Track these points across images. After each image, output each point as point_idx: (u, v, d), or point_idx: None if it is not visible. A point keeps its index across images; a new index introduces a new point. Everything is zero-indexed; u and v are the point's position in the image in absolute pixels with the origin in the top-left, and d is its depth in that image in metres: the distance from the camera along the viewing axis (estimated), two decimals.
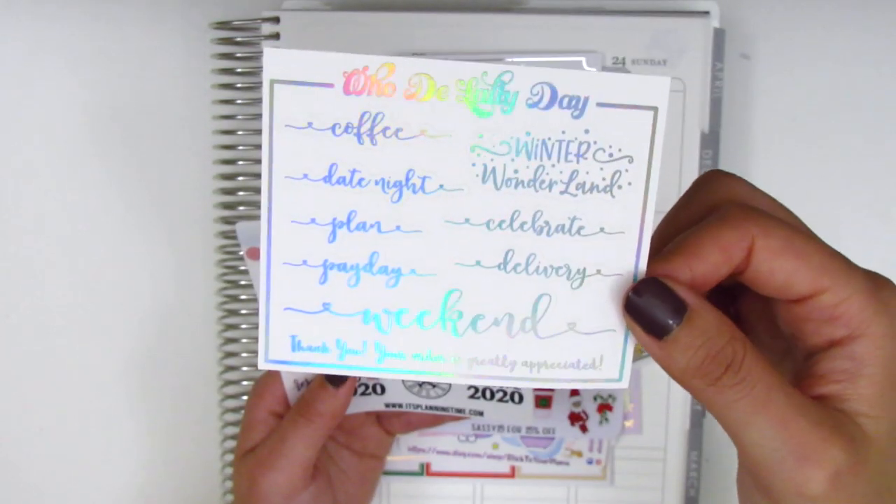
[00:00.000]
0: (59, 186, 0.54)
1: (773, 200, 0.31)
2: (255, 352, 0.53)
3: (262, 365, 0.30)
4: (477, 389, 0.46)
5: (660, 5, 0.51)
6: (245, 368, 0.54)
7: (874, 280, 0.28)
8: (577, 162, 0.29)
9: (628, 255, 0.29)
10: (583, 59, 0.50)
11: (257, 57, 0.51)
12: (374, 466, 0.50)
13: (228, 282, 0.53)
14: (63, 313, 0.55)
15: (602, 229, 0.29)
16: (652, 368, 0.52)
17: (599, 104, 0.28)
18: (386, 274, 0.29)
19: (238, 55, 0.51)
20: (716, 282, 0.29)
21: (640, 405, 0.52)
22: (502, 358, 0.30)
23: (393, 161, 0.29)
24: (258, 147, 0.52)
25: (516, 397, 0.46)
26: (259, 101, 0.51)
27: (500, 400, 0.46)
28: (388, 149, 0.28)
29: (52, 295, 0.55)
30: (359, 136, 0.28)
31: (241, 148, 0.52)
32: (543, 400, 0.52)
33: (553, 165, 0.29)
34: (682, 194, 0.33)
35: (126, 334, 0.55)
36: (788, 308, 0.29)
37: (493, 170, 0.29)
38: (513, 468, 0.53)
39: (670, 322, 0.27)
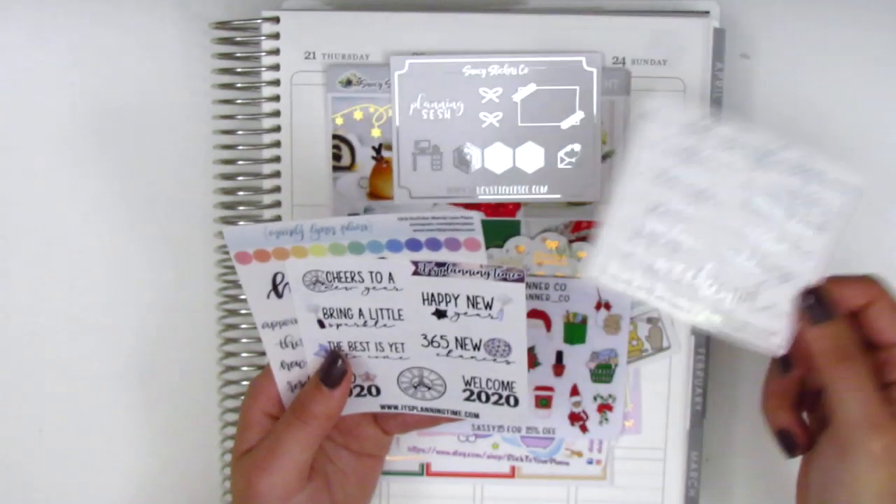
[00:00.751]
0: (59, 186, 0.54)
1: None
2: (255, 352, 0.53)
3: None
4: (472, 392, 0.46)
5: (660, 5, 0.51)
6: (245, 368, 0.54)
7: None
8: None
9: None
10: (583, 59, 0.50)
11: (257, 57, 0.51)
12: (372, 466, 0.50)
13: (228, 282, 0.53)
14: (63, 313, 0.55)
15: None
16: (652, 368, 0.52)
17: None
18: None
19: (238, 55, 0.51)
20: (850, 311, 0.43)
21: (639, 405, 0.52)
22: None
23: None
24: (258, 147, 0.52)
25: (511, 400, 0.46)
26: (259, 100, 0.51)
27: (496, 403, 0.46)
28: None
29: (52, 295, 0.55)
30: None
31: (241, 148, 0.52)
32: (543, 400, 0.52)
33: None
34: None
35: (126, 334, 0.55)
36: (884, 348, 0.43)
37: None
38: (513, 468, 0.53)
39: (824, 318, 0.42)
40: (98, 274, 0.55)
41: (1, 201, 0.55)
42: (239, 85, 0.51)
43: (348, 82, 0.50)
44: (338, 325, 0.45)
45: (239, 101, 0.52)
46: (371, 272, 0.43)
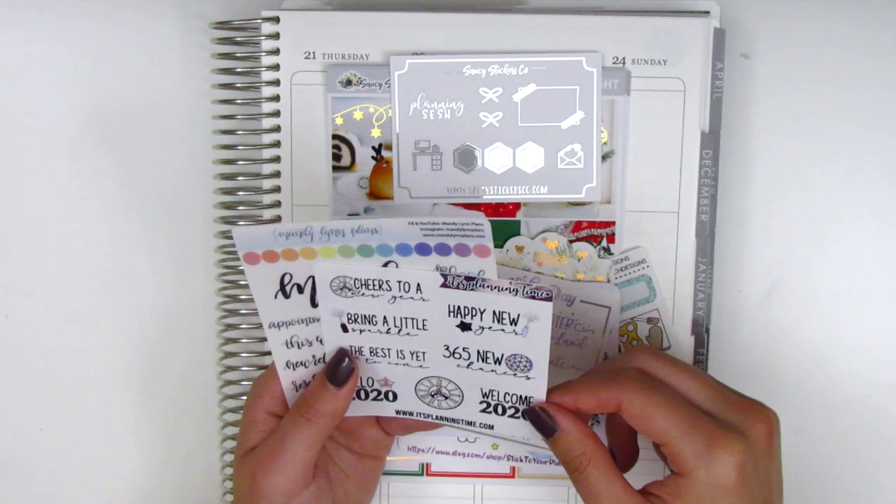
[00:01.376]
0: (59, 187, 0.54)
1: (679, 365, 0.45)
2: (255, 352, 0.53)
3: None
4: (489, 404, 0.45)
5: (660, 5, 0.51)
6: (245, 368, 0.54)
7: (711, 440, 0.41)
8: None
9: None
10: (583, 58, 0.50)
11: (257, 57, 0.51)
12: (373, 467, 0.50)
13: (228, 282, 0.53)
14: (63, 313, 0.55)
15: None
16: None
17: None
18: None
19: (238, 55, 0.51)
20: (595, 413, 0.47)
21: None
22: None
23: None
24: (258, 147, 0.52)
25: (527, 416, 0.45)
26: (259, 100, 0.51)
27: (511, 416, 0.45)
28: None
29: (52, 295, 0.55)
30: None
31: (241, 148, 0.52)
32: None
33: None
34: None
35: (126, 334, 0.55)
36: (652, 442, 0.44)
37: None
38: (513, 469, 0.53)
39: (550, 433, 0.44)
40: (98, 274, 0.55)
41: (0, 201, 0.55)
42: (239, 85, 0.51)
43: (348, 82, 0.50)
44: (361, 331, 0.45)
45: (239, 101, 0.52)
46: (400, 282, 0.42)
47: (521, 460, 0.53)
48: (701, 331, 0.52)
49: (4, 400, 0.56)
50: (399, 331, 0.44)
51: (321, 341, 0.46)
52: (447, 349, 0.44)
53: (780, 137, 0.53)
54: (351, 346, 0.45)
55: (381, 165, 0.51)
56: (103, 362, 0.56)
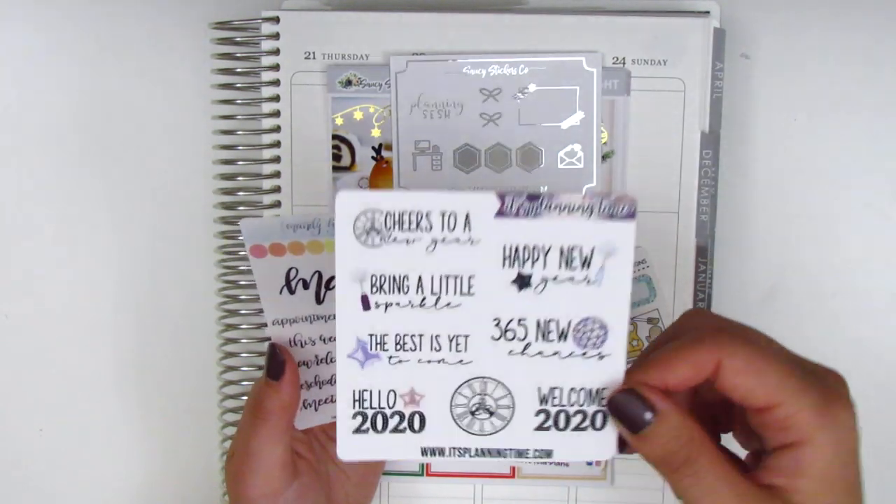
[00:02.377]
0: (59, 186, 0.54)
1: (748, 327, 0.37)
2: (256, 352, 0.53)
3: None
4: (548, 415, 0.37)
5: (660, 5, 0.51)
6: (245, 368, 0.54)
7: (826, 396, 0.34)
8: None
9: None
10: (583, 59, 0.50)
11: (257, 57, 0.51)
12: (373, 468, 0.50)
13: (228, 282, 0.53)
14: (62, 313, 0.55)
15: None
16: None
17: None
18: None
19: (238, 55, 0.51)
20: (686, 388, 0.36)
21: None
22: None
23: None
24: (258, 147, 0.52)
25: (598, 420, 0.37)
26: (259, 101, 0.51)
27: (577, 428, 0.37)
28: None
29: (52, 295, 0.55)
30: None
31: (241, 148, 0.52)
32: None
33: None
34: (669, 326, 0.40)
35: (126, 334, 0.55)
36: (753, 413, 0.35)
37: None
38: (513, 468, 0.53)
39: (645, 420, 0.35)
40: (98, 274, 0.55)
41: (0, 202, 0.55)
42: (239, 85, 0.51)
43: (348, 82, 0.50)
44: (387, 306, 0.36)
45: (239, 101, 0.52)
46: (444, 213, 0.34)
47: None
48: None
49: (4, 400, 0.56)
50: (437, 300, 0.36)
51: (325, 340, 0.45)
52: (497, 326, 0.36)
53: (780, 137, 0.53)
54: (371, 336, 0.36)
55: (381, 166, 0.51)
56: (103, 362, 0.56)
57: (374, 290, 0.36)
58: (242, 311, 0.53)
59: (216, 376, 0.54)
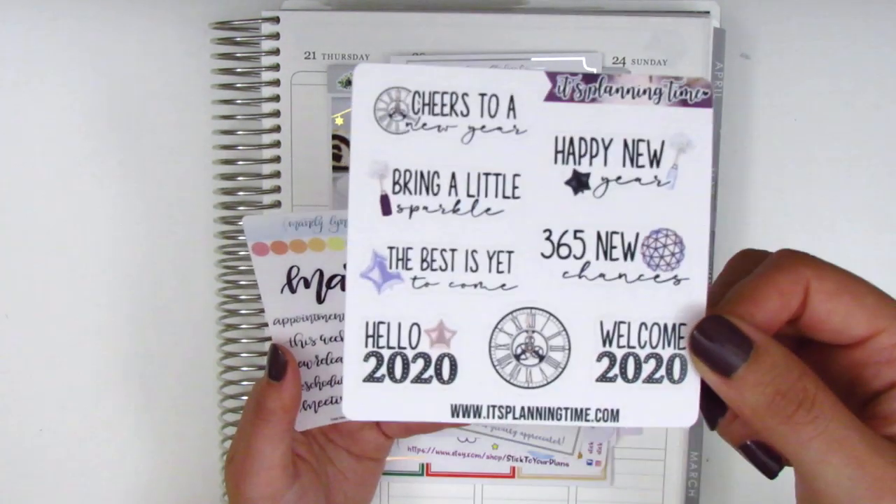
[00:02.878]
0: (59, 186, 0.54)
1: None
2: (256, 352, 0.53)
3: None
4: (613, 360, 0.30)
5: (660, 5, 0.51)
6: (245, 368, 0.54)
7: None
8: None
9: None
10: (583, 59, 0.50)
11: (257, 57, 0.51)
12: (373, 469, 0.50)
13: (228, 282, 0.53)
14: (62, 313, 0.55)
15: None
16: None
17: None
18: None
19: (238, 55, 0.51)
20: (777, 327, 0.29)
21: None
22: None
23: None
24: (258, 147, 0.52)
25: (676, 369, 0.29)
26: (259, 100, 0.51)
27: (650, 379, 0.30)
28: None
29: (52, 295, 0.55)
30: None
31: (241, 148, 0.52)
32: None
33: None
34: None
35: (126, 334, 0.55)
36: (846, 354, 0.29)
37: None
38: (513, 468, 0.53)
39: (737, 360, 0.27)
40: (98, 274, 0.55)
41: (1, 202, 0.55)
42: (239, 85, 0.51)
43: (348, 82, 0.50)
44: (412, 211, 0.29)
45: (239, 101, 0.52)
46: (483, 95, 0.29)
47: (521, 460, 0.53)
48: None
49: (4, 400, 0.56)
50: (475, 204, 0.29)
51: (325, 340, 0.45)
52: (549, 239, 0.29)
53: (780, 137, 0.53)
54: (391, 250, 0.29)
55: None
56: (103, 362, 0.56)
57: (397, 189, 0.29)
58: (242, 311, 0.53)
59: (216, 376, 0.54)
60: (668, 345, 0.29)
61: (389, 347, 0.29)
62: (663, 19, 0.50)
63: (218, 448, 0.55)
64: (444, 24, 0.50)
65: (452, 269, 0.29)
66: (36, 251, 0.55)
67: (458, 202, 0.29)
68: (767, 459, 0.30)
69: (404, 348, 0.29)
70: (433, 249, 0.29)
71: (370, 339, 0.29)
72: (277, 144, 0.51)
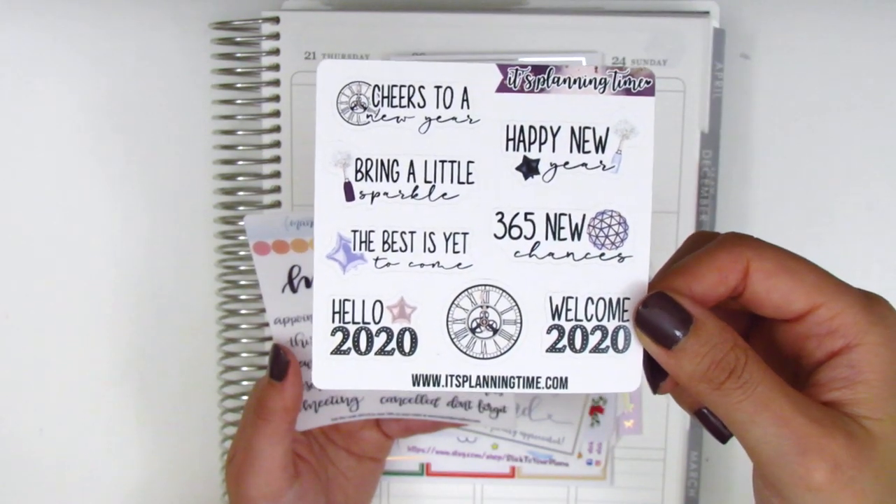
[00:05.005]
0: (59, 186, 0.54)
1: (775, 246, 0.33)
2: (256, 352, 0.53)
3: None
4: (561, 332, 0.32)
5: (660, 5, 0.51)
6: (245, 368, 0.54)
7: (867, 296, 0.31)
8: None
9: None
10: (583, 59, 0.50)
11: (257, 57, 0.51)
12: (373, 469, 0.50)
13: (228, 282, 0.53)
14: (62, 313, 0.55)
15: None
16: None
17: None
18: None
19: (238, 55, 0.51)
20: (715, 301, 0.31)
21: (640, 405, 0.52)
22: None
23: None
24: (258, 147, 0.52)
25: (620, 339, 0.32)
26: (259, 101, 0.51)
27: (596, 349, 0.32)
28: None
29: (52, 294, 0.55)
30: None
31: (241, 148, 0.52)
32: None
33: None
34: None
35: (126, 334, 0.55)
36: (789, 328, 0.32)
37: None
38: (513, 468, 0.53)
39: (677, 333, 0.30)
40: (98, 273, 0.55)
41: (1, 200, 0.55)
42: (239, 85, 0.51)
43: None
44: (374, 196, 0.31)
45: (239, 101, 0.52)
46: (438, 87, 0.31)
47: (521, 460, 0.53)
48: None
49: (4, 400, 0.56)
50: (431, 189, 0.31)
51: None
52: (501, 221, 0.32)
53: (780, 137, 0.53)
54: (355, 233, 0.32)
55: None
56: (103, 362, 0.56)
57: (360, 176, 0.31)
58: (242, 311, 0.53)
59: (216, 376, 0.54)
60: (613, 318, 0.32)
61: (354, 323, 0.32)
62: (663, 19, 0.50)
63: (218, 448, 0.55)
64: (444, 24, 0.50)
65: (412, 250, 0.31)
66: (36, 251, 0.55)
67: (416, 188, 0.31)
68: (719, 425, 0.32)
69: (368, 323, 0.32)
70: (394, 232, 0.31)
71: (336, 315, 0.32)
72: (277, 144, 0.51)
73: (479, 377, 0.32)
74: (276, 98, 0.51)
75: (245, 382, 0.54)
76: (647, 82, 0.31)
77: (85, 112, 0.54)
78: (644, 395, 0.52)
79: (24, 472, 0.56)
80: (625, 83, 0.31)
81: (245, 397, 0.53)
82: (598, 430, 0.52)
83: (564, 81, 0.31)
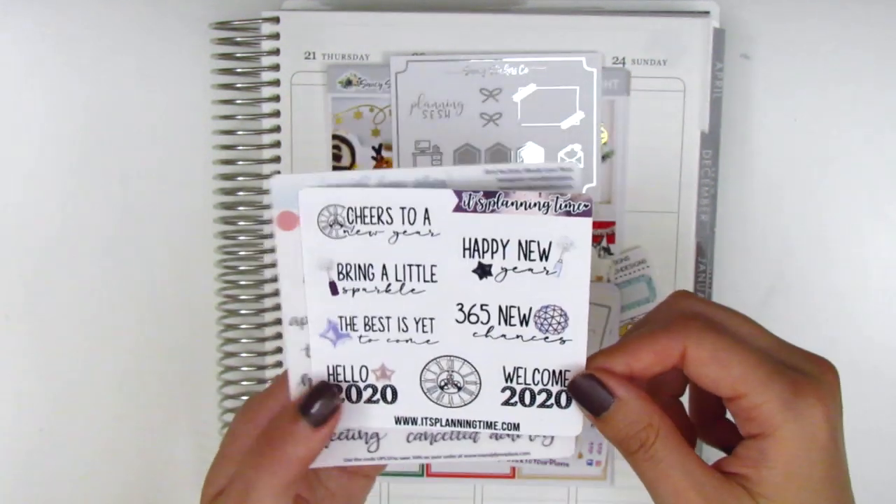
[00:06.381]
0: (59, 187, 0.54)
1: (730, 312, 0.37)
2: (255, 352, 0.53)
3: None
4: (513, 392, 0.38)
5: (660, 5, 0.51)
6: (245, 369, 0.54)
7: (797, 388, 0.34)
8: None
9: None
10: (583, 59, 0.50)
11: (257, 57, 0.51)
12: (363, 486, 0.44)
13: (228, 282, 0.53)
14: (62, 313, 0.55)
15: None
16: None
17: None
18: None
19: (238, 55, 0.51)
20: (653, 375, 0.36)
21: None
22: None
23: None
24: (258, 147, 0.52)
25: (562, 399, 0.37)
26: (259, 101, 0.51)
27: (542, 405, 0.38)
28: None
29: (52, 295, 0.55)
30: None
31: (241, 148, 0.52)
32: None
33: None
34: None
35: (126, 334, 0.55)
36: (724, 401, 0.36)
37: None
38: (513, 469, 0.53)
39: (602, 407, 0.36)
40: (98, 274, 0.55)
41: (1, 200, 0.55)
42: (239, 85, 0.51)
43: (348, 82, 0.50)
44: (354, 291, 0.37)
45: (239, 101, 0.52)
46: (403, 208, 0.35)
47: (521, 460, 0.53)
48: None
49: (4, 400, 0.56)
50: (402, 286, 0.37)
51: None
52: (461, 310, 0.37)
53: (780, 137, 0.53)
54: (341, 318, 0.37)
55: (381, 165, 0.51)
56: (103, 362, 0.56)
57: (341, 276, 0.37)
58: (242, 311, 0.53)
59: (216, 376, 0.54)
60: (556, 384, 0.37)
61: (346, 381, 0.38)
62: (663, 19, 0.50)
63: (217, 449, 0.55)
64: (444, 24, 0.50)
65: (388, 330, 0.37)
66: (36, 251, 0.55)
67: (389, 285, 0.37)
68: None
69: (357, 382, 0.38)
70: (372, 317, 0.37)
71: (331, 377, 0.38)
72: (277, 144, 0.51)
73: (448, 419, 0.39)
74: (276, 98, 0.51)
75: (245, 382, 0.54)
76: (586, 206, 0.35)
77: (85, 112, 0.54)
78: None
79: (24, 472, 0.56)
80: (565, 206, 0.35)
81: (245, 397, 0.53)
82: (597, 431, 0.52)
83: (512, 204, 0.35)
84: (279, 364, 0.53)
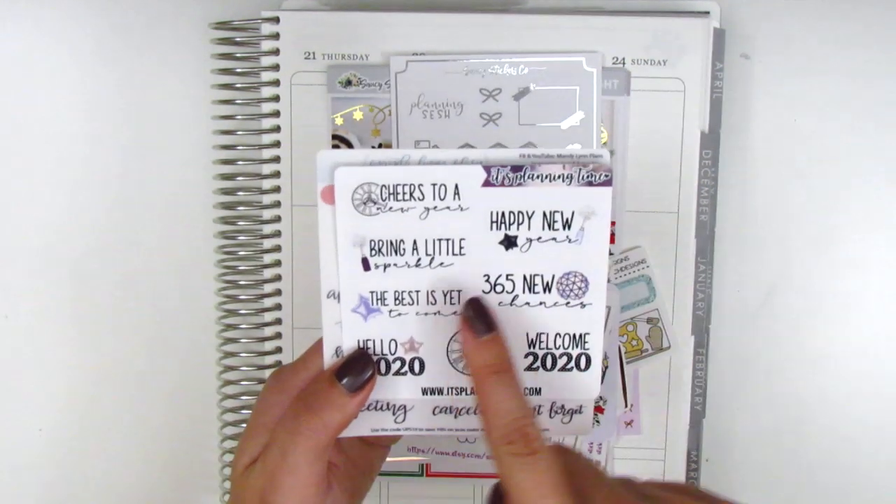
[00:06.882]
0: (58, 186, 0.54)
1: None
2: (255, 352, 0.53)
3: None
4: (536, 357, 0.40)
5: (660, 5, 0.51)
6: (245, 368, 0.54)
7: None
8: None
9: None
10: (583, 59, 0.50)
11: (257, 57, 0.51)
12: (381, 454, 0.45)
13: (228, 282, 0.53)
14: (62, 314, 0.55)
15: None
16: (651, 368, 0.52)
17: None
18: None
19: (238, 55, 0.51)
20: None
21: (639, 405, 0.52)
22: None
23: None
24: (258, 147, 0.52)
25: (583, 361, 0.40)
26: (259, 101, 0.51)
27: (563, 368, 0.40)
28: None
29: (51, 295, 0.55)
30: None
31: (240, 148, 0.52)
32: None
33: None
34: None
35: (125, 334, 0.55)
36: None
37: None
38: None
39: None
40: (98, 274, 0.55)
41: (1, 202, 0.55)
42: (239, 85, 0.51)
43: (348, 82, 0.50)
44: (385, 267, 0.38)
45: (239, 101, 0.52)
46: (434, 185, 0.37)
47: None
48: (701, 331, 0.52)
49: (4, 400, 0.56)
50: (431, 260, 0.38)
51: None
52: (487, 281, 0.39)
53: (780, 137, 0.53)
54: (372, 293, 0.39)
55: None
56: (103, 362, 0.56)
57: (374, 253, 0.38)
58: (242, 311, 0.53)
59: (216, 376, 0.54)
60: (576, 347, 0.39)
61: (375, 355, 0.39)
62: (663, 19, 0.50)
63: (217, 448, 0.55)
64: (444, 24, 0.50)
65: (417, 304, 0.39)
66: (35, 252, 0.55)
67: (419, 260, 0.38)
68: None
69: (386, 355, 0.40)
70: (402, 291, 0.39)
71: None
72: (277, 144, 0.51)
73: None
74: (276, 98, 0.51)
75: (245, 382, 0.54)
76: (606, 176, 0.37)
77: (85, 112, 0.54)
78: (643, 396, 0.52)
79: (24, 472, 0.56)
80: (587, 177, 0.37)
81: (245, 397, 0.53)
82: (598, 430, 0.52)
83: (538, 177, 0.37)
84: (279, 364, 0.53)
